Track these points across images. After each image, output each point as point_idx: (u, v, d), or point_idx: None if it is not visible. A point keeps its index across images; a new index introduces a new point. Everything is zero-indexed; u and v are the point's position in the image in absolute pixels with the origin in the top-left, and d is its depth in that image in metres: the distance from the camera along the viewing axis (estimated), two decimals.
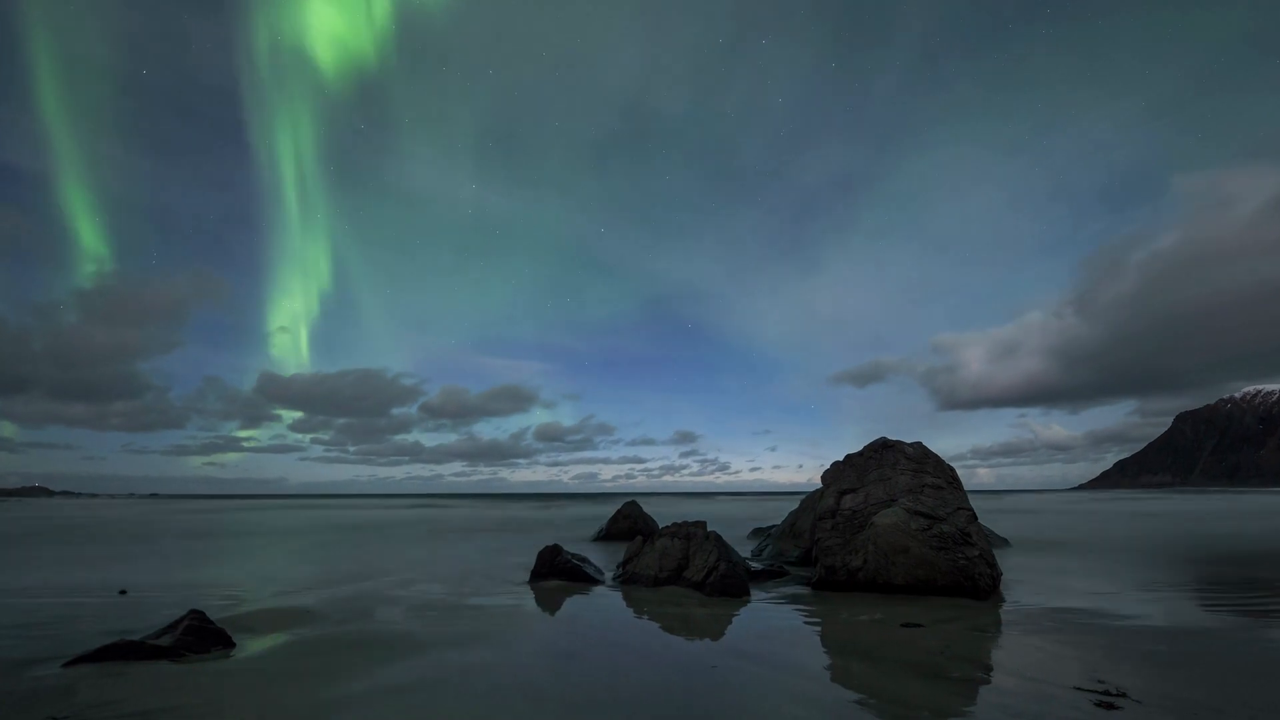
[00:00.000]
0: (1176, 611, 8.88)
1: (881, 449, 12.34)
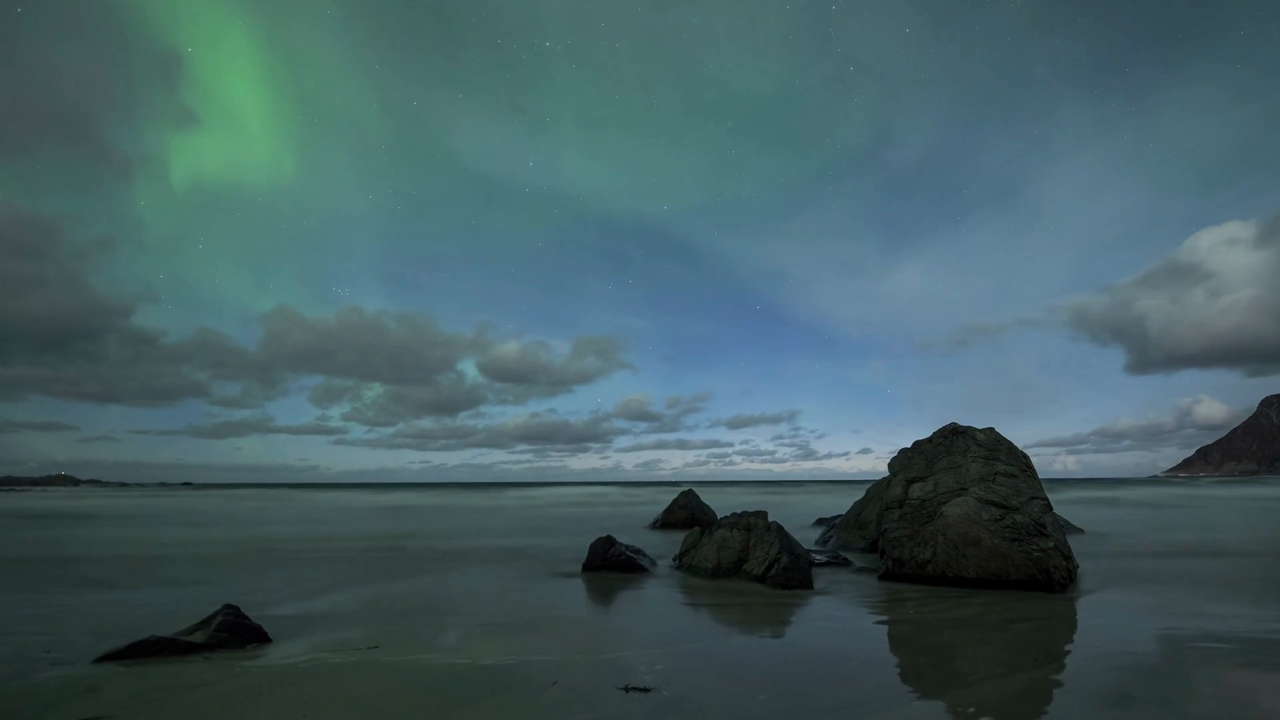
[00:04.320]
0: (1267, 607, 8.78)
1: (951, 435, 12.30)
